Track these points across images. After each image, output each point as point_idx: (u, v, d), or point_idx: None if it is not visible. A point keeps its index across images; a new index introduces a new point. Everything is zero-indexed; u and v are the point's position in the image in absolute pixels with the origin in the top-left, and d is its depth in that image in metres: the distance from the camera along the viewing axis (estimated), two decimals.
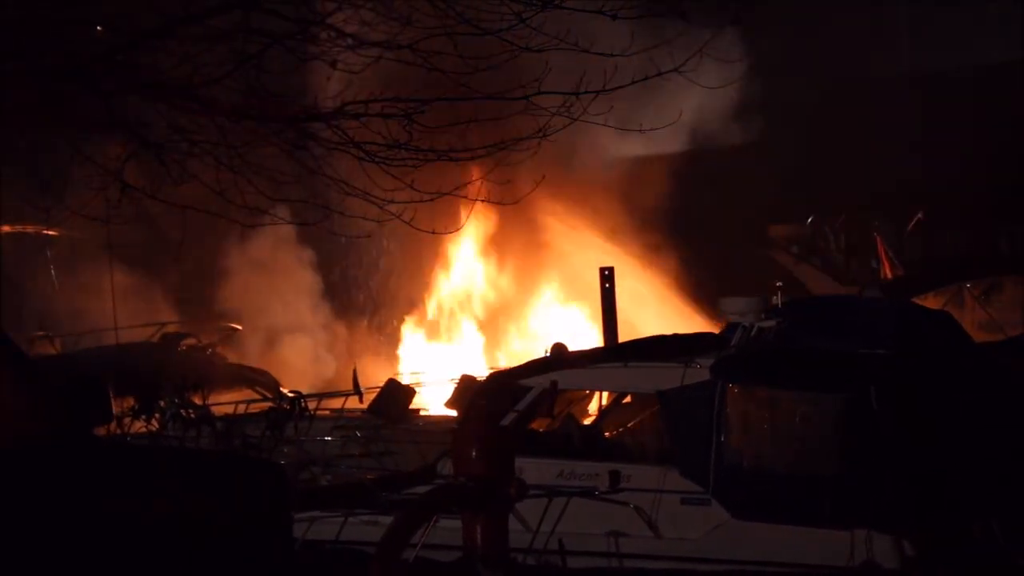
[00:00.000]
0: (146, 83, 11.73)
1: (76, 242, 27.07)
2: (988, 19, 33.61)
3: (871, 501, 11.86)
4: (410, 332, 30.46)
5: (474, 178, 13.29)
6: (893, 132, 32.56)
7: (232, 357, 26.20)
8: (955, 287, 23.50)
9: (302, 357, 28.91)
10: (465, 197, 13.46)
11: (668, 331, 14.45)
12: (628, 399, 13.96)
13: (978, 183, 31.14)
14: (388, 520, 10.82)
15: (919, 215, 30.53)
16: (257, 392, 22.65)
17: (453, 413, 18.83)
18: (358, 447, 16.97)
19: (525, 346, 27.83)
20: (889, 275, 28.48)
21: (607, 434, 13.77)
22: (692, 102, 23.36)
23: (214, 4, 11.77)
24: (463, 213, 14.49)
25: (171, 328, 26.29)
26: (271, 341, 29.15)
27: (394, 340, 30.61)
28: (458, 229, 14.80)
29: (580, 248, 29.07)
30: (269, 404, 19.20)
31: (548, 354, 14.55)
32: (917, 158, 32.17)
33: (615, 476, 12.28)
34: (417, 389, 20.52)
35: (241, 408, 19.11)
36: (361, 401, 19.25)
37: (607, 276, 21.66)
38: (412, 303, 30.70)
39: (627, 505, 12.28)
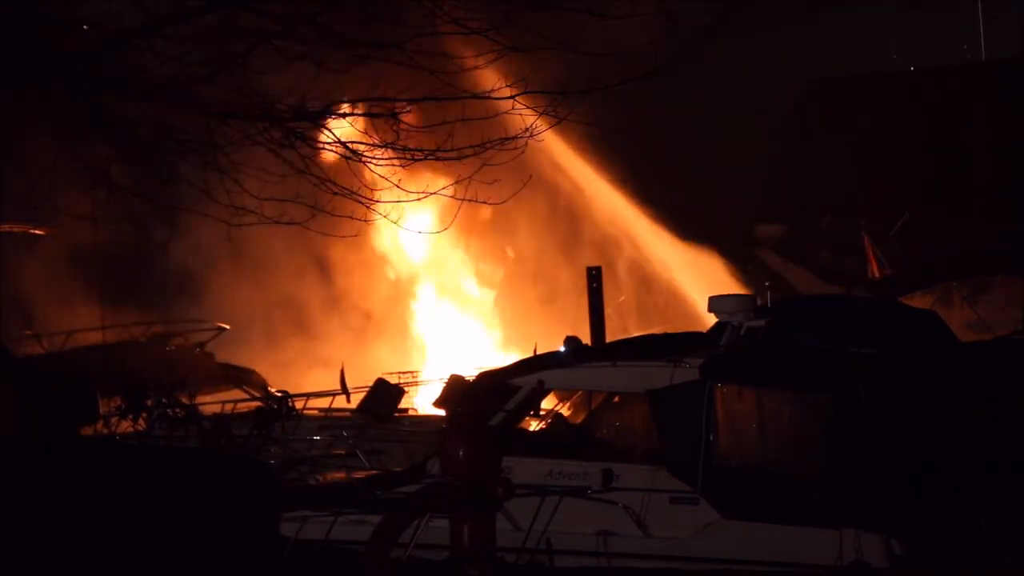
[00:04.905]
0: (132, 82, 11.71)
1: (63, 241, 26.94)
2: (980, 18, 33.68)
3: (860, 500, 11.85)
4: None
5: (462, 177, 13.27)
6: (883, 130, 32.59)
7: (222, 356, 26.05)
8: (943, 286, 23.51)
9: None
10: (452, 196, 13.43)
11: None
12: (617, 399, 13.93)
13: (967, 182, 31.19)
14: (377, 520, 10.79)
15: (906, 215, 30.55)
16: (245, 392, 22.59)
17: (442, 413, 18.78)
18: (345, 446, 16.93)
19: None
20: (877, 275, 28.50)
21: (596, 434, 13.74)
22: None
23: (200, 3, 11.75)
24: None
25: (158, 328, 26.18)
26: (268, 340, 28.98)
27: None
28: (445, 229, 14.77)
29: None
30: (256, 404, 19.15)
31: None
32: (905, 157, 32.20)
33: (608, 475, 12.25)
34: (406, 388, 20.48)
35: (228, 407, 19.06)
36: (348, 401, 19.21)
37: (594, 276, 21.61)
38: None
39: (616, 504, 12.26)
